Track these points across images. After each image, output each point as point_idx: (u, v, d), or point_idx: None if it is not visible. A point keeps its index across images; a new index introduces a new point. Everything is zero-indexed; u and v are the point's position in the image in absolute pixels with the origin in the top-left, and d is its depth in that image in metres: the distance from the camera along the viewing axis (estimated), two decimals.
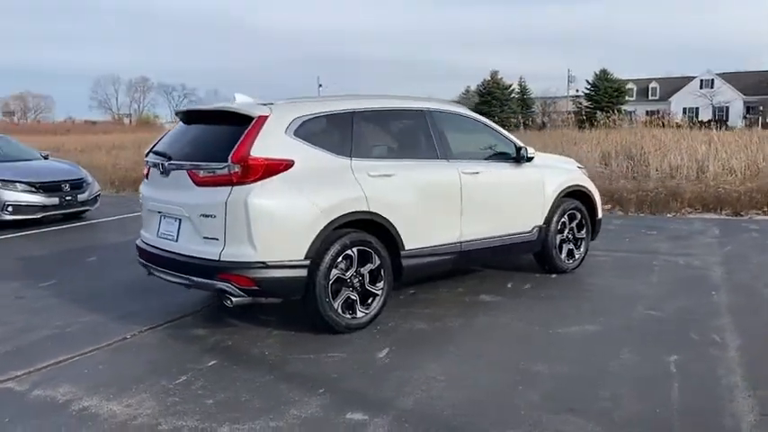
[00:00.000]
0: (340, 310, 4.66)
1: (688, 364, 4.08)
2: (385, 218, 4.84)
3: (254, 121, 4.47)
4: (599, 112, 33.62)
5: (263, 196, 4.32)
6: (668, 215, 10.85)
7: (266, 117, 4.51)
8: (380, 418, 3.42)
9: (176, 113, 5.31)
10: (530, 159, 5.95)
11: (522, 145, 5.99)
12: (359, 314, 4.77)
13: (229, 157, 4.32)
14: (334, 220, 4.55)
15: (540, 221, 6.13)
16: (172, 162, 4.72)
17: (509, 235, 5.86)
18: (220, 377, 4.03)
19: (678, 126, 25.70)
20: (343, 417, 3.45)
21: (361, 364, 4.21)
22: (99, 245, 8.53)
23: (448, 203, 5.32)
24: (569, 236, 6.47)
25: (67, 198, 10.17)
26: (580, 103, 59.22)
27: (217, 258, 4.36)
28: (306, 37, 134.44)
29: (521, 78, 66.07)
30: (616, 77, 59.51)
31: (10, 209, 9.60)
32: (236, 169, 4.31)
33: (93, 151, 26.06)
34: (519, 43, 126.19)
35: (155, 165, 4.93)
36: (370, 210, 4.75)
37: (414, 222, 5.04)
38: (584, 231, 6.59)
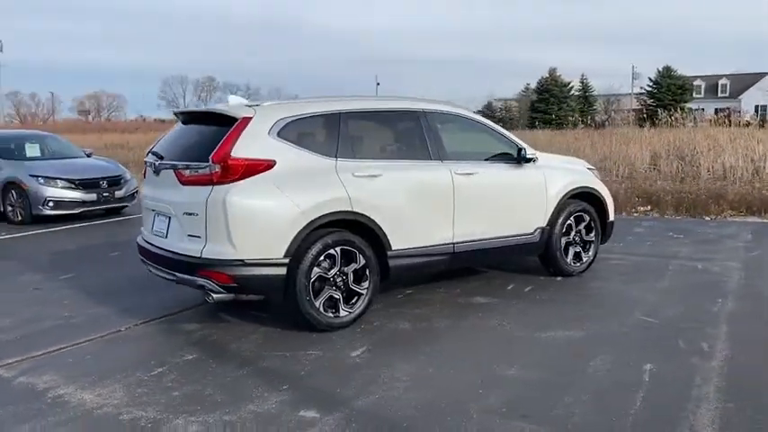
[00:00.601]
0: (322, 309, 4.72)
1: (663, 374, 3.96)
2: (370, 218, 4.87)
3: (237, 123, 4.58)
4: (661, 111, 32.55)
5: (241, 195, 4.42)
6: (707, 218, 10.46)
7: (250, 118, 4.61)
8: (331, 416, 3.46)
9: (175, 114, 5.49)
10: (529, 160, 5.85)
11: (523, 146, 5.91)
12: (342, 313, 4.82)
13: (210, 158, 4.45)
14: (315, 219, 4.61)
15: (543, 223, 6.03)
16: (162, 162, 4.90)
17: (508, 236, 5.79)
18: (194, 371, 4.15)
19: (748, 124, 24.61)
20: (295, 414, 3.51)
21: (333, 362, 4.26)
22: (127, 240, 8.81)
23: (439, 204, 5.30)
24: (576, 238, 6.33)
25: (105, 194, 10.62)
26: (644, 101, 57.50)
27: (198, 255, 4.50)
28: (367, 37, 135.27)
29: (582, 75, 64.58)
30: (680, 74, 57.43)
31: (51, 204, 10.12)
32: (217, 169, 4.43)
33: None
34: (582, 39, 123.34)
35: (150, 164, 5.11)
36: (354, 210, 4.79)
37: (401, 223, 5.05)
38: (593, 234, 6.44)
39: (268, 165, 4.54)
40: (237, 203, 4.40)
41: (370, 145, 5.32)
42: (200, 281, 4.51)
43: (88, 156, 11.82)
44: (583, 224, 6.36)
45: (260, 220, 4.49)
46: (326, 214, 4.67)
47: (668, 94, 54.34)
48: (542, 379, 3.94)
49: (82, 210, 10.38)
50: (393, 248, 5.02)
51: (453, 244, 5.40)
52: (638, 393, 3.68)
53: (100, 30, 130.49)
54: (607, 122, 42.18)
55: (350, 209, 4.77)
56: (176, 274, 4.71)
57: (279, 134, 4.67)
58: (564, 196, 6.14)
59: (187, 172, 4.62)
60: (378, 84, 73.97)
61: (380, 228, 4.93)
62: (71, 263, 7.43)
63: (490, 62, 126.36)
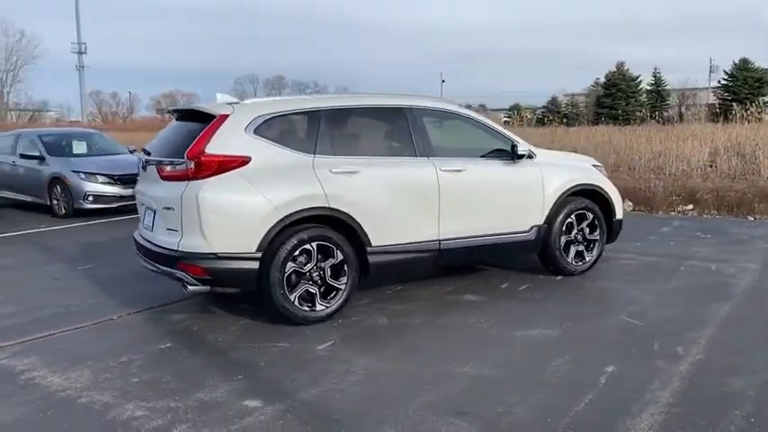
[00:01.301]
0: (297, 303, 4.80)
1: (623, 376, 3.85)
2: (347, 214, 4.91)
3: (214, 120, 4.72)
4: (735, 105, 31.08)
5: (213, 191, 4.56)
6: (750, 218, 9.97)
7: (226, 116, 4.75)
8: (272, 407, 3.54)
9: (168, 112, 5.69)
10: (522, 157, 5.75)
11: (518, 142, 5.82)
12: (318, 307, 4.89)
13: (185, 154, 4.61)
14: (289, 215, 4.69)
15: (540, 221, 5.91)
16: (149, 158, 5.10)
17: (500, 234, 5.71)
18: (162, 359, 4.32)
19: None
20: (239, 403, 3.60)
21: (297, 354, 4.35)
22: None
23: (423, 201, 5.28)
24: (578, 237, 6.18)
25: None
26: (720, 94, 54.93)
27: (175, 248, 4.67)
28: (436, 33, 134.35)
29: (655, 69, 62.15)
30: (758, 66, 54.43)
31: (90, 198, 10.64)
32: (191, 165, 4.58)
33: None
34: (655, 30, 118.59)
35: (140, 161, 5.33)
36: (330, 206, 4.85)
37: (382, 219, 5.07)
38: (597, 233, 6.27)
39: (242, 161, 4.65)
40: (209, 198, 4.54)
41: (352, 142, 5.35)
42: (178, 273, 4.68)
43: (131, 152, 12.33)
44: (585, 222, 6.20)
45: (231, 215, 4.62)
46: (301, 210, 4.74)
47: (745, 88, 51.61)
48: (496, 377, 3.90)
49: (119, 204, 10.84)
50: (373, 245, 5.05)
51: (439, 241, 5.38)
52: (587, 395, 3.60)
53: (177, 31, 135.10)
54: (675, 118, 40.60)
55: (326, 205, 4.83)
56: (158, 265, 4.90)
57: (256, 131, 4.78)
58: (563, 194, 6.00)
59: (167, 168, 4.79)
60: (443, 81, 73.72)
61: (359, 224, 4.97)
62: (96, 254, 7.80)
63: (562, 57, 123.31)
